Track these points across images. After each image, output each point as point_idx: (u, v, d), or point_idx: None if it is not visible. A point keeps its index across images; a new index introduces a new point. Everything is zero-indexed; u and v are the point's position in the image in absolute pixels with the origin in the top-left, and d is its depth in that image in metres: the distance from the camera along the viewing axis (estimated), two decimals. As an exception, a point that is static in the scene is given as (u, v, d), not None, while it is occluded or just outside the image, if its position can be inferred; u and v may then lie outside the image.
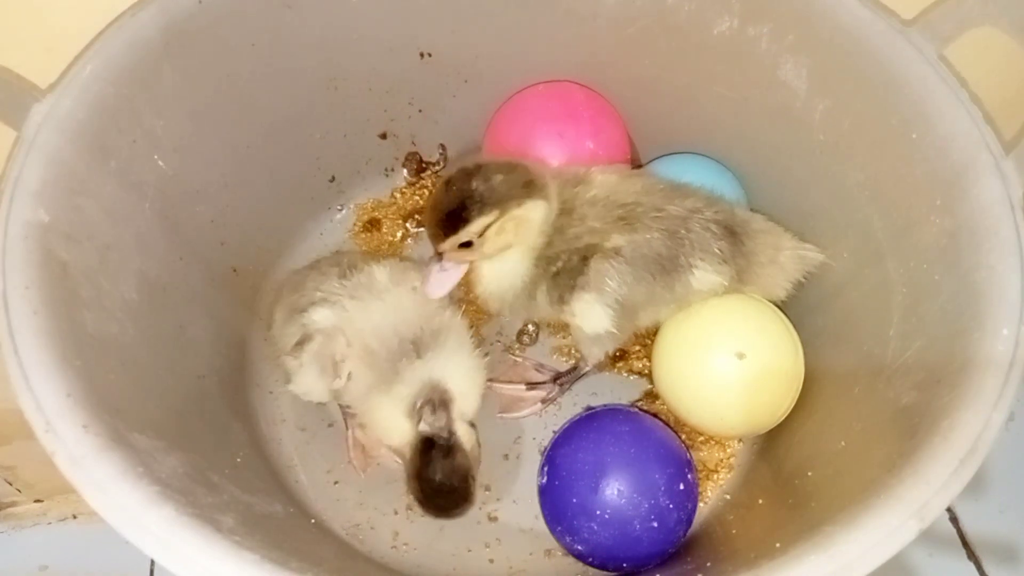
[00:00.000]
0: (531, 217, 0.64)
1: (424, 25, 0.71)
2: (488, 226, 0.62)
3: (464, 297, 0.80)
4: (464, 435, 0.64)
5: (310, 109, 0.73)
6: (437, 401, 0.63)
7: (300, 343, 0.67)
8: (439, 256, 0.64)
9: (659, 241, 0.65)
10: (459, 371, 0.66)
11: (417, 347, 0.65)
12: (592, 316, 0.66)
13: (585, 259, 0.65)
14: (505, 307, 0.69)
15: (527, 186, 0.63)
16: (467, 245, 0.63)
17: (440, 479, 0.63)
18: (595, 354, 0.72)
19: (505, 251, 0.65)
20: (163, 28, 0.59)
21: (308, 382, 0.67)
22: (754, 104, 0.69)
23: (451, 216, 0.61)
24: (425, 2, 0.69)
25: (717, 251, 0.66)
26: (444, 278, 0.65)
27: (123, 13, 0.58)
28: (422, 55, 0.74)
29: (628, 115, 0.78)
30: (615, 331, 0.67)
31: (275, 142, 0.73)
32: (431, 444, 0.63)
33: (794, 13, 0.62)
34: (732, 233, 0.67)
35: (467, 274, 0.68)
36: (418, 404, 0.63)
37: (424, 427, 0.63)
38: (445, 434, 0.63)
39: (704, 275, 0.66)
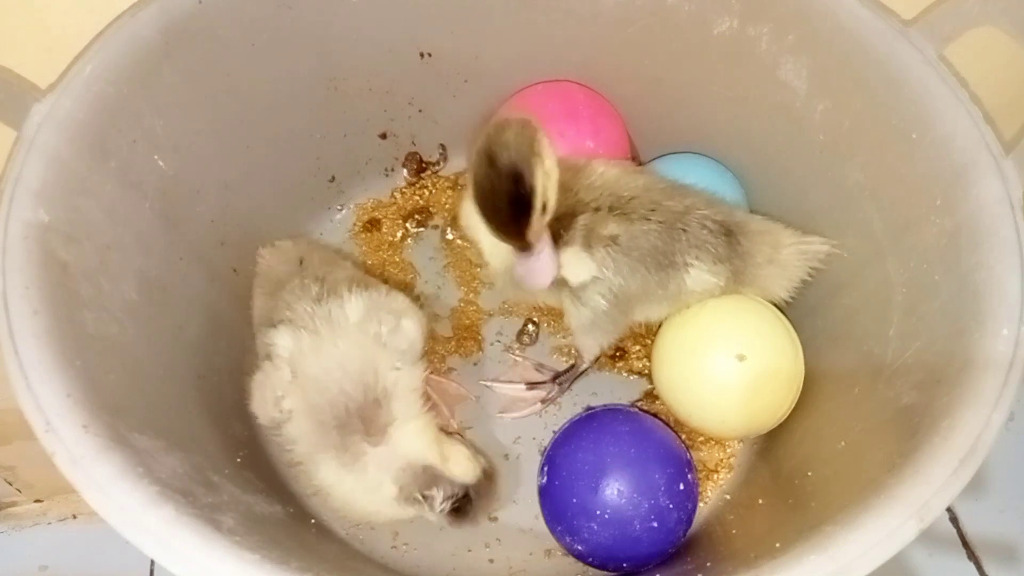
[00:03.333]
0: (554, 169, 0.60)
1: (424, 25, 0.71)
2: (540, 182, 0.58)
3: (464, 297, 0.80)
4: (469, 472, 0.64)
5: (310, 109, 0.73)
6: (432, 483, 0.62)
7: (264, 359, 0.65)
8: (526, 247, 0.60)
9: (656, 234, 0.65)
10: (419, 437, 0.63)
11: (364, 422, 0.61)
12: (579, 265, 0.65)
13: (573, 216, 0.64)
14: (509, 281, 0.68)
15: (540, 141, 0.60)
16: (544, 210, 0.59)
17: (484, 514, 0.66)
18: (590, 347, 0.72)
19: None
20: (163, 28, 0.59)
21: (254, 407, 0.65)
22: (754, 104, 0.69)
23: (518, 201, 0.57)
24: (425, 2, 0.69)
25: (712, 249, 0.66)
26: (547, 263, 0.61)
27: (123, 13, 0.58)
28: (422, 55, 0.74)
29: (628, 115, 0.78)
30: (606, 307, 0.66)
31: (275, 142, 0.73)
32: (463, 509, 0.63)
33: (794, 13, 0.62)
34: (728, 232, 0.66)
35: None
36: (417, 496, 0.61)
37: (444, 506, 0.62)
38: (462, 493, 0.63)
39: (699, 274, 0.66)
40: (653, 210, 0.65)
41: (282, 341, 0.63)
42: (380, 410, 0.61)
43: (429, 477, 0.62)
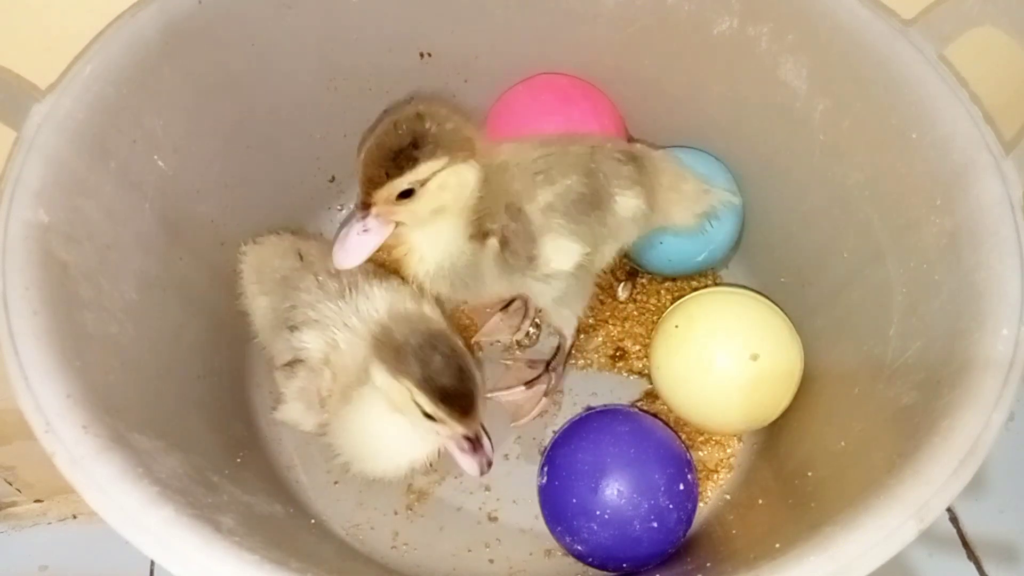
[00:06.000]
0: (470, 179, 0.60)
1: (424, 25, 0.71)
2: (435, 173, 0.57)
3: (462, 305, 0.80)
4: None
5: (310, 109, 0.73)
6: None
7: (291, 364, 0.65)
8: (365, 210, 0.58)
9: (579, 182, 0.64)
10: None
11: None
12: (563, 252, 0.64)
13: (520, 210, 0.62)
14: (449, 287, 0.65)
15: (470, 142, 0.60)
16: (407, 196, 0.58)
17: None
18: (568, 318, 0.71)
19: (436, 217, 0.60)
20: (163, 28, 0.59)
21: (296, 416, 0.66)
22: (754, 104, 0.69)
23: (399, 155, 0.56)
24: (425, 2, 0.69)
25: (627, 175, 0.66)
26: (364, 241, 0.59)
27: (123, 13, 0.58)
28: (422, 55, 0.74)
29: (628, 114, 0.78)
30: (582, 265, 0.66)
31: (275, 142, 0.73)
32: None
33: (794, 13, 0.62)
34: (633, 159, 0.67)
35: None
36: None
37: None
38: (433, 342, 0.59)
39: (624, 200, 0.66)
40: (570, 164, 0.64)
41: (314, 344, 0.64)
42: None
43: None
